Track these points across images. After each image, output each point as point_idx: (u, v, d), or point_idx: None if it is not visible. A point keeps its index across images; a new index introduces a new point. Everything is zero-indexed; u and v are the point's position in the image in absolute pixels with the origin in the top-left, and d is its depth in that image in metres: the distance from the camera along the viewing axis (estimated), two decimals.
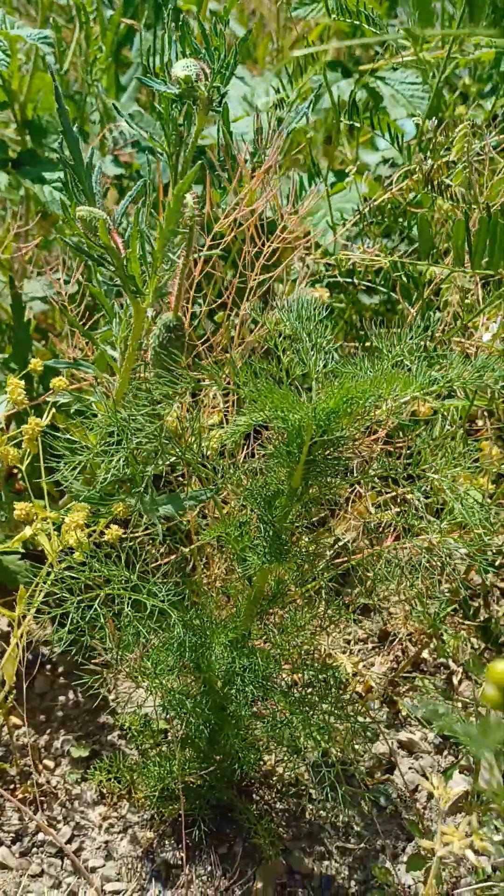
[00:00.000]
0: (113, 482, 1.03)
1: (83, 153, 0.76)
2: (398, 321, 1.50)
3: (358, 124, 1.36)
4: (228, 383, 0.74)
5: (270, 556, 0.91)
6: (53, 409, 1.06)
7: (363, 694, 1.41)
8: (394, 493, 1.25)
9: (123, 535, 1.01)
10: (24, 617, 1.00)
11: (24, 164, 1.36)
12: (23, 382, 1.04)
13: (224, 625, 1.03)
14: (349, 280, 1.39)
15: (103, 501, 0.98)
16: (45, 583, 0.94)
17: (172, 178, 0.90)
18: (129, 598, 0.89)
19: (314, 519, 1.05)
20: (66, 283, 1.62)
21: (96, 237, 0.72)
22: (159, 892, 1.16)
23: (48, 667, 1.46)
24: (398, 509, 1.17)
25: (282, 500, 0.90)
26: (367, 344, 1.27)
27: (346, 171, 1.61)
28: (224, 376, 0.72)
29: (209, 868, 1.17)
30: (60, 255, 1.54)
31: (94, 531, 1.00)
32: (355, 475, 0.90)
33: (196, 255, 0.80)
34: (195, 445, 0.87)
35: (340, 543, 1.27)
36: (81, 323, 1.13)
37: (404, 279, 1.29)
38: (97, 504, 0.97)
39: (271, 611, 1.16)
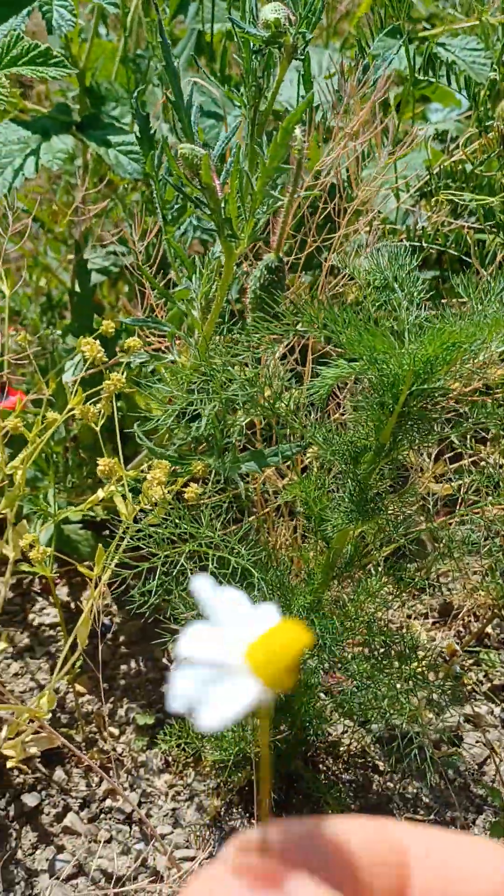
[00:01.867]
0: (189, 442, 1.02)
1: (181, 92, 0.74)
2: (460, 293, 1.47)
3: (431, 79, 1.32)
4: (325, 328, 0.72)
5: (355, 514, 0.89)
6: (126, 371, 1.05)
7: (448, 658, 1.39)
8: (467, 460, 1.23)
9: (200, 500, 0.99)
10: (100, 578, 0.99)
11: (89, 127, 1.35)
12: (97, 342, 1.03)
13: (301, 588, 1.02)
14: (416, 245, 1.36)
15: (181, 461, 0.96)
16: (126, 539, 0.93)
17: (250, 132, 0.88)
18: (214, 556, 0.88)
19: (393, 482, 1.03)
20: (125, 255, 1.60)
21: (195, 176, 0.70)
22: None
23: (109, 636, 1.46)
24: (473, 477, 1.14)
25: (369, 457, 0.88)
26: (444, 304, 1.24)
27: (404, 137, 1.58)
28: (321, 320, 0.70)
29: None
30: (120, 224, 1.53)
31: (172, 491, 0.99)
32: (448, 430, 0.88)
33: (298, 195, 0.78)
34: (285, 399, 0.85)
35: (410, 511, 1.25)
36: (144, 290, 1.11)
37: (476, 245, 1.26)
38: (174, 463, 0.96)
39: (344, 576, 1.14)
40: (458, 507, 1.21)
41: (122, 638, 1.45)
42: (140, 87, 0.87)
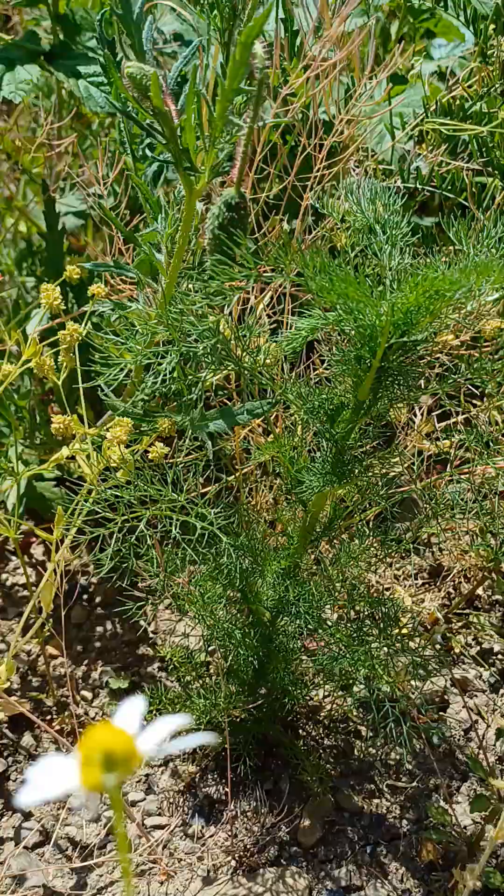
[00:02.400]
0: (157, 397, 0.95)
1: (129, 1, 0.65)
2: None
3: (433, 10, 1.22)
4: (294, 275, 0.65)
5: (331, 476, 0.83)
6: (91, 320, 0.98)
7: (429, 626, 1.35)
8: (459, 418, 1.16)
9: (166, 461, 0.93)
10: (62, 541, 0.93)
11: (58, 57, 1.25)
12: (58, 288, 0.95)
13: (276, 553, 0.96)
14: (410, 187, 1.27)
15: (146, 418, 0.90)
16: (85, 503, 0.87)
17: (225, 57, 0.79)
18: (177, 520, 0.82)
19: (375, 442, 0.97)
20: (102, 197, 1.51)
21: (145, 99, 0.62)
22: (202, 827, 1.12)
23: (85, 597, 1.41)
24: (464, 436, 1.07)
25: (346, 415, 0.81)
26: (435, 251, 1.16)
27: (406, 73, 1.48)
28: (290, 264, 0.63)
29: (254, 804, 1.13)
30: (96, 164, 1.43)
31: (137, 451, 0.92)
32: (431, 386, 0.81)
33: (262, 123, 0.69)
34: (253, 354, 0.78)
35: (395, 472, 1.19)
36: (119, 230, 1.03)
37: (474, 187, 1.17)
38: (140, 420, 0.89)
39: (323, 541, 1.08)
40: (447, 468, 1.14)
41: (98, 599, 1.40)
42: (105, 10, 0.78)
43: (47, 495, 1.37)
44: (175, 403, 0.93)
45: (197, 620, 0.97)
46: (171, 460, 1.06)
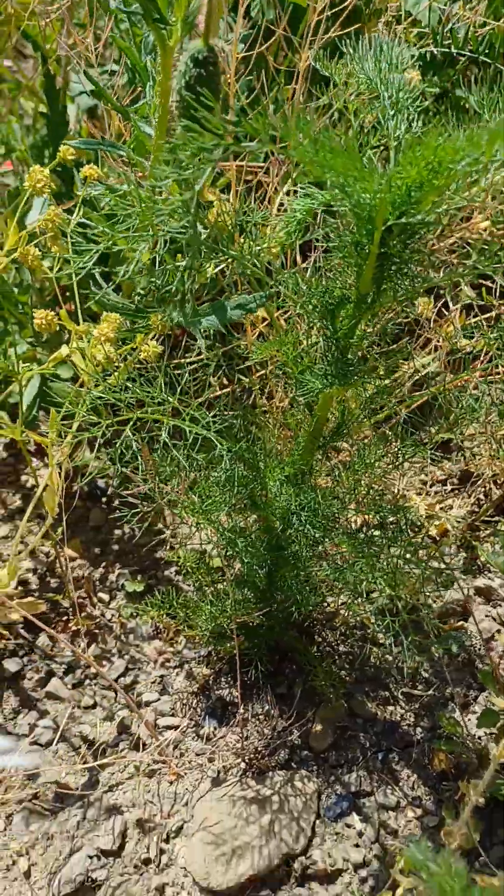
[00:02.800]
0: (153, 293, 0.89)
1: None
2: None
3: None
4: (278, 144, 0.56)
5: (333, 377, 0.76)
6: (83, 206, 0.90)
7: (437, 538, 1.29)
8: (490, 315, 1.07)
9: (177, 362, 0.88)
10: (77, 444, 0.90)
11: None
12: (46, 170, 0.88)
13: (281, 459, 0.91)
14: (447, 52, 1.13)
15: (139, 314, 0.84)
16: (78, 406, 0.82)
17: None
18: (168, 424, 0.77)
19: (388, 341, 0.89)
20: (114, 73, 1.40)
21: None
22: (214, 728, 1.12)
23: (104, 500, 1.39)
24: (494, 334, 0.98)
25: (348, 310, 0.73)
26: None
27: None
28: (266, 131, 0.55)
29: (266, 707, 1.12)
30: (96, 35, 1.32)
31: (132, 350, 0.86)
32: (442, 276, 0.73)
33: None
34: (245, 243, 0.70)
35: (422, 373, 1.11)
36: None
37: None
38: (131, 316, 0.83)
39: (338, 447, 1.02)
40: (469, 369, 1.06)
41: (116, 502, 1.38)
42: None
43: (61, 396, 1.33)
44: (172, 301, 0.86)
45: (198, 528, 0.93)
46: (177, 361, 1.00)
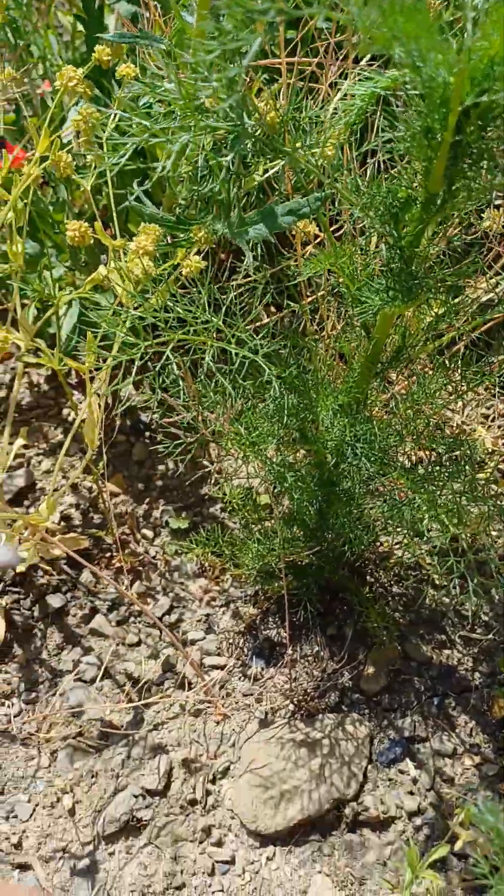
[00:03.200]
0: (196, 203, 0.81)
1: None
2: None
3: None
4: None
5: (395, 292, 0.68)
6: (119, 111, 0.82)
7: (502, 475, 1.21)
8: None
9: (221, 286, 0.80)
10: (115, 371, 0.84)
11: None
12: (80, 70, 0.80)
13: (334, 388, 0.84)
14: None
15: (180, 226, 0.76)
16: (116, 328, 0.76)
17: None
18: (213, 347, 0.70)
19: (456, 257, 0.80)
20: None
21: None
22: (261, 669, 1.08)
23: (147, 435, 1.34)
24: None
25: (414, 213, 0.65)
26: None
27: None
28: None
29: (316, 649, 1.08)
30: None
31: (174, 268, 0.79)
32: None
33: None
34: (299, 137, 0.62)
35: (490, 294, 1.02)
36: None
37: None
38: (172, 228, 0.76)
39: (392, 379, 0.95)
40: None
41: (159, 436, 1.33)
42: None
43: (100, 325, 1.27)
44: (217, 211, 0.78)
45: (245, 461, 0.87)
46: (222, 285, 0.93)
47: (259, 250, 0.99)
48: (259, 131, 0.62)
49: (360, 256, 0.78)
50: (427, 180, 0.62)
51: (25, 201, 0.91)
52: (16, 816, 0.96)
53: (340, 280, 0.78)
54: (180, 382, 0.70)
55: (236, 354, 0.71)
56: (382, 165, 0.85)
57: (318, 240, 1.03)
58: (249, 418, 0.82)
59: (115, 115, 0.81)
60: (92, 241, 0.76)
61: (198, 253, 0.77)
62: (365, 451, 0.79)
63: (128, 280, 0.72)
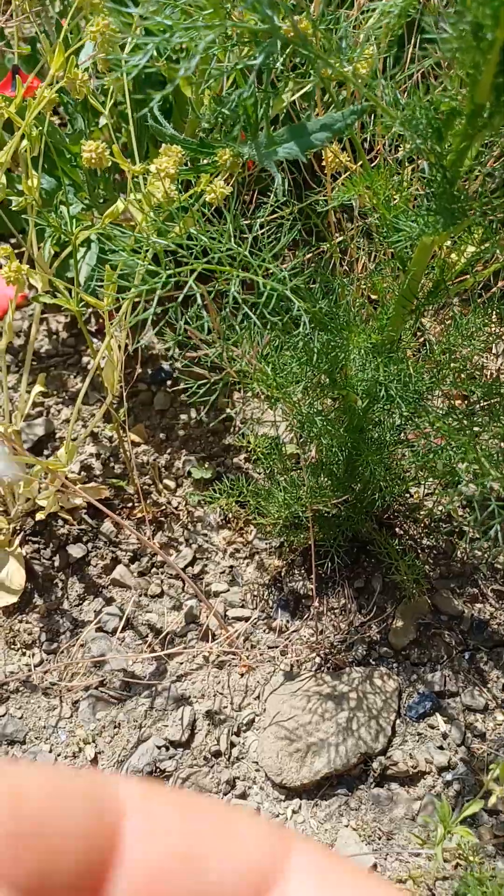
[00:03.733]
0: (220, 127, 0.76)
1: None
2: None
3: None
4: None
5: (436, 216, 0.63)
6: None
7: None
8: None
9: (248, 222, 0.75)
10: (117, 311, 0.80)
11: None
12: None
13: (366, 326, 0.79)
14: None
15: (203, 149, 0.71)
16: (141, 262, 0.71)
17: None
18: (237, 277, 0.66)
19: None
20: None
21: None
22: (287, 621, 1.05)
23: (168, 383, 1.30)
24: None
25: (458, 128, 0.60)
26: None
27: None
28: None
29: (342, 601, 1.05)
30: None
31: (197, 197, 0.75)
32: None
33: None
34: (333, 39, 0.57)
35: None
36: None
37: None
38: (196, 151, 0.71)
39: (427, 324, 0.90)
40: None
41: (181, 385, 1.29)
42: None
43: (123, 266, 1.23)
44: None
45: (272, 405, 0.83)
46: (247, 222, 0.88)
47: (286, 185, 0.94)
48: (291, 34, 0.57)
49: (396, 182, 0.72)
50: (473, 90, 0.56)
51: (40, 129, 0.86)
52: None
53: (374, 208, 0.73)
54: (204, 314, 0.66)
55: (264, 286, 0.66)
56: (423, 77, 0.79)
57: (349, 173, 0.97)
58: (276, 359, 0.77)
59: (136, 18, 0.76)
60: (109, 165, 0.72)
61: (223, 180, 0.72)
62: (399, 392, 0.75)
63: (149, 206, 0.67)
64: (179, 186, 0.69)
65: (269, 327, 0.69)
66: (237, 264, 0.66)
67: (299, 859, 0.19)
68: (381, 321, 0.77)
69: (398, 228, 0.69)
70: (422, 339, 0.97)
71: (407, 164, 0.81)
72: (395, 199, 0.72)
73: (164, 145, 0.68)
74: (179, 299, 0.63)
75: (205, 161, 0.72)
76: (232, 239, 0.67)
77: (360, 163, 0.71)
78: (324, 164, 0.87)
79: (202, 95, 0.83)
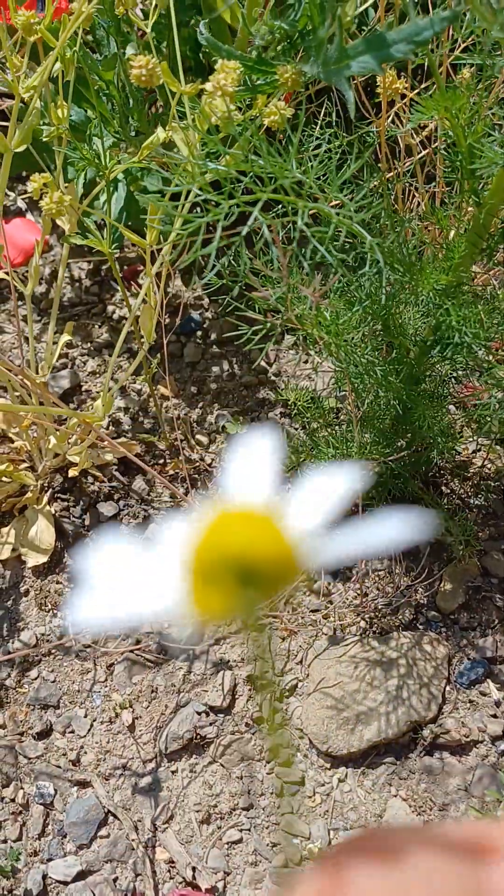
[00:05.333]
0: (278, 43, 0.68)
1: None
2: None
3: None
4: None
5: None
6: None
7: None
8: None
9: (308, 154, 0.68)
10: (158, 252, 0.73)
11: None
12: None
13: (436, 265, 0.73)
14: None
15: (260, 66, 0.64)
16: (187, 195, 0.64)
17: None
18: (305, 209, 0.59)
19: None
20: None
21: None
22: (329, 584, 1.00)
23: (199, 334, 1.24)
24: None
25: None
26: None
27: None
28: None
29: (388, 563, 1.00)
30: None
31: (248, 117, 0.68)
32: None
33: None
34: None
35: None
36: None
37: None
38: (252, 69, 0.64)
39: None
40: None
41: (213, 336, 1.23)
42: None
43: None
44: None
45: (327, 353, 0.77)
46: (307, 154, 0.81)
47: (335, 116, 0.87)
48: None
49: (474, 105, 0.65)
50: None
51: (74, 50, 0.78)
52: (73, 731, 0.90)
53: (445, 129, 0.66)
54: (272, 248, 0.60)
55: (333, 221, 0.60)
56: None
57: (406, 100, 0.90)
58: (337, 303, 0.71)
59: None
60: (157, 85, 0.64)
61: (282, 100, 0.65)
62: (471, 338, 0.69)
63: (202, 129, 0.61)
64: (241, 105, 0.62)
65: (334, 266, 0.62)
66: (304, 194, 0.59)
67: None
68: (452, 260, 0.71)
69: (477, 155, 0.62)
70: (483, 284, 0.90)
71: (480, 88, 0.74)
72: (473, 124, 0.65)
73: (220, 62, 0.60)
74: (244, 232, 0.56)
75: (261, 81, 0.65)
76: (295, 167, 0.60)
77: (435, 79, 0.64)
78: (376, 92, 0.79)
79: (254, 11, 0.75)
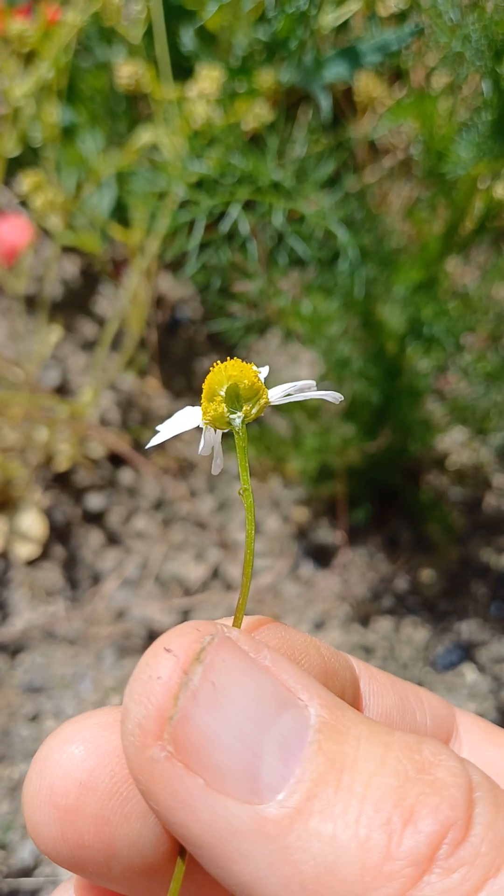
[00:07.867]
0: (258, 51, 0.72)
1: None
2: None
3: None
4: None
5: (491, 142, 0.59)
6: None
7: None
8: None
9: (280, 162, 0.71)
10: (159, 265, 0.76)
11: None
12: None
13: (408, 262, 0.76)
14: None
15: (242, 72, 0.67)
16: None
17: None
18: (283, 206, 0.62)
19: None
20: None
21: None
22: (312, 572, 1.04)
23: (186, 328, 1.27)
24: None
25: None
26: None
27: None
28: None
29: (370, 552, 1.03)
30: None
31: (231, 123, 0.71)
32: None
33: None
34: None
35: None
36: None
37: None
38: (235, 75, 0.67)
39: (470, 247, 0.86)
40: None
41: (200, 330, 1.26)
42: None
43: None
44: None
45: (307, 344, 0.80)
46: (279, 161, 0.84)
47: (315, 121, 0.90)
48: None
49: (443, 112, 0.69)
50: None
51: (67, 59, 0.81)
52: (64, 715, 0.93)
53: (418, 133, 0.69)
54: (249, 244, 0.63)
55: (311, 215, 0.63)
56: None
57: (384, 106, 0.93)
58: (315, 297, 0.74)
59: None
60: (139, 94, 0.68)
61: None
62: (442, 332, 0.72)
63: (186, 133, 0.64)
64: (220, 110, 0.65)
65: (311, 262, 0.66)
66: (281, 194, 0.63)
67: (462, 717, 0.31)
68: (424, 257, 0.74)
69: (446, 159, 0.65)
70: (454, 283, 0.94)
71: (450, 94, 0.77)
72: (442, 129, 0.68)
73: (202, 69, 0.64)
74: (224, 229, 0.60)
75: (242, 85, 0.68)
76: (272, 168, 0.64)
77: (401, 92, 0.67)
78: (350, 99, 0.83)
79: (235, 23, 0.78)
